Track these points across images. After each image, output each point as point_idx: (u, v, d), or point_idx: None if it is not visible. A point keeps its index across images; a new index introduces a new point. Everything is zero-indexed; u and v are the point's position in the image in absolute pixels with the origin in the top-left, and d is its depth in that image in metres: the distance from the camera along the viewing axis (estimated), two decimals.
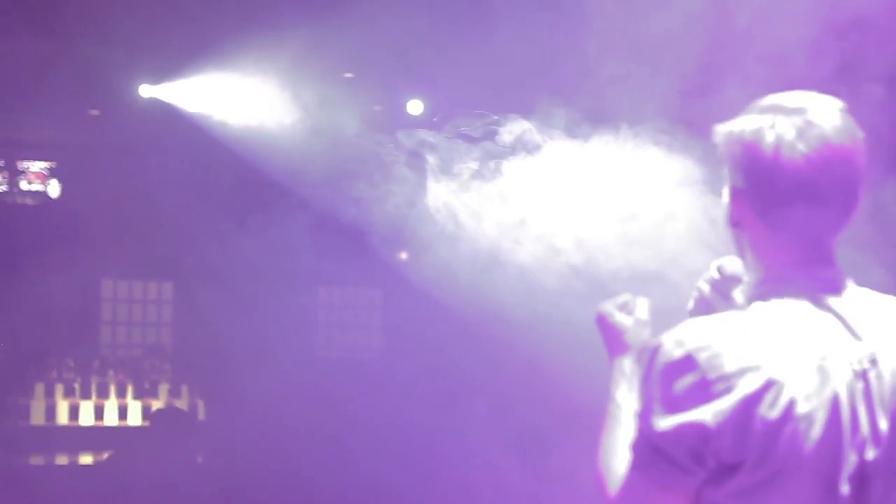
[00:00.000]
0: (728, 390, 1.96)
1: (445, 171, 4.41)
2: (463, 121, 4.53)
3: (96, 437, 11.44)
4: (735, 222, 2.21)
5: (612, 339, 2.55)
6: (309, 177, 9.33)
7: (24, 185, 13.02)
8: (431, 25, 8.63)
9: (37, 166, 13.04)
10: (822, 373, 2.00)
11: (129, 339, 13.58)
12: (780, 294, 2.10)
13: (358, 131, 8.90)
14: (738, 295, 2.50)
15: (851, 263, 2.23)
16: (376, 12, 8.23)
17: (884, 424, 2.03)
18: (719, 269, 2.56)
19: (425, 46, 8.82)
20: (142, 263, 12.82)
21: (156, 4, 9.31)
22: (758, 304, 2.11)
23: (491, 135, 4.37)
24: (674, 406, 1.99)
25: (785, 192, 2.08)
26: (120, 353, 13.22)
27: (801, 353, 2.01)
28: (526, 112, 4.33)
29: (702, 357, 1.98)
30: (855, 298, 2.13)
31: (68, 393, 12.02)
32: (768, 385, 1.96)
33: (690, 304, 2.61)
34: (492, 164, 4.30)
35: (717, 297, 2.54)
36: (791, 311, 2.07)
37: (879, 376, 2.05)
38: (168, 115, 11.00)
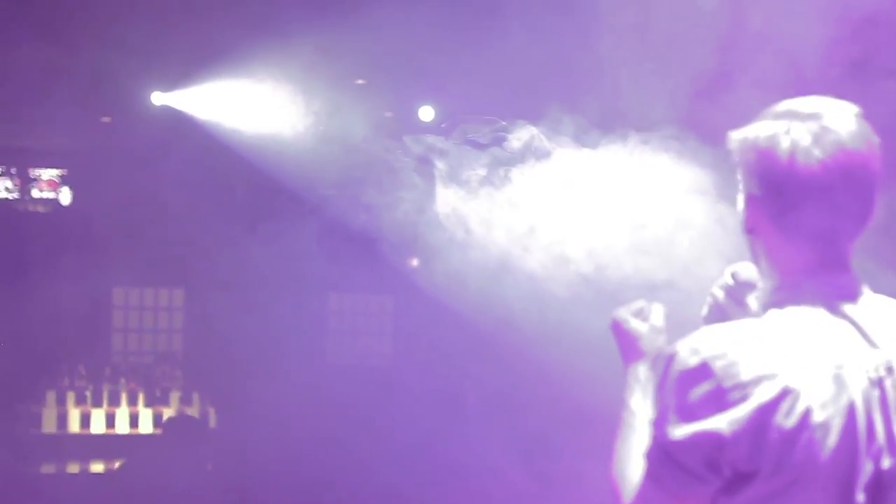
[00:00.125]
0: (744, 399, 1.94)
1: (454, 177, 4.40)
2: (471, 127, 4.53)
3: (108, 445, 11.44)
4: (750, 229, 2.19)
5: (627, 346, 2.53)
6: (320, 183, 9.34)
7: (35, 193, 13.04)
8: (442, 31, 8.63)
9: (48, 174, 13.07)
10: (838, 381, 1.98)
11: (141, 347, 13.59)
12: (795, 301, 2.08)
13: (369, 138, 8.90)
14: (752, 301, 2.48)
15: (866, 270, 2.22)
16: (387, 18, 8.23)
17: None
18: (733, 276, 2.54)
19: (436, 52, 8.82)
20: (153, 271, 12.83)
21: (167, 11, 9.32)
22: (773, 312, 2.09)
23: (500, 141, 4.36)
24: (689, 414, 1.97)
25: (800, 198, 2.07)
26: (131, 360, 13.23)
27: (817, 361, 1.99)
28: (537, 118, 4.32)
29: (717, 365, 1.96)
30: (871, 305, 2.11)
31: (80, 401, 12.02)
32: (784, 393, 1.94)
33: (704, 311, 2.60)
34: (501, 171, 4.29)
35: (732, 304, 2.53)
36: (807, 319, 2.05)
37: None
38: (179, 122, 11.01)
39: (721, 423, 1.95)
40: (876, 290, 2.19)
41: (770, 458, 1.94)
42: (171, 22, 9.36)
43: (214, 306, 11.96)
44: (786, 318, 2.06)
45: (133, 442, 11.56)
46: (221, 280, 11.87)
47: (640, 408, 2.37)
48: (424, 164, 4.58)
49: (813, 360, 1.99)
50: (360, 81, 10.63)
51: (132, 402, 12.17)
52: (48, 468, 10.76)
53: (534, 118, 4.35)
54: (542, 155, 4.18)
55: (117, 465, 9.67)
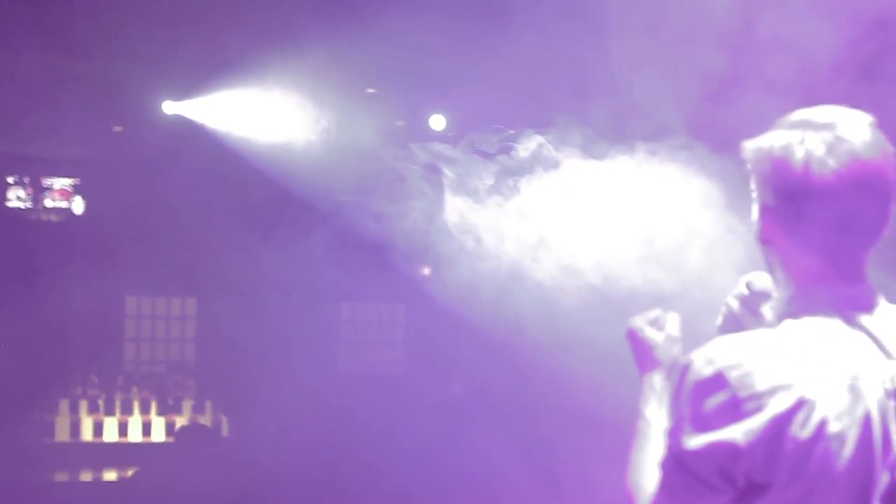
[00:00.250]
0: (759, 409, 1.93)
1: (463, 186, 4.40)
2: (479, 136, 4.53)
3: (120, 454, 11.47)
4: (765, 239, 2.19)
5: (643, 355, 2.53)
6: (331, 192, 9.35)
7: (48, 202, 13.07)
8: (453, 40, 8.63)
9: (61, 183, 13.09)
10: (854, 391, 1.97)
11: (153, 356, 13.60)
12: (810, 311, 2.08)
13: (379, 147, 8.91)
14: (766, 311, 2.48)
15: (881, 280, 2.21)
16: (398, 27, 8.24)
17: None
18: (748, 285, 2.54)
19: (447, 61, 8.82)
20: (165, 279, 12.85)
21: (178, 21, 9.34)
22: (788, 322, 2.09)
23: (508, 150, 4.36)
24: (704, 424, 1.97)
25: (815, 208, 2.06)
26: (144, 369, 13.25)
27: (833, 372, 1.98)
28: (549, 126, 4.32)
29: (732, 375, 1.95)
30: (886, 316, 2.11)
31: (92, 409, 12.04)
32: (800, 404, 1.94)
33: (719, 320, 2.60)
34: (509, 181, 4.29)
35: (746, 313, 2.53)
36: (822, 329, 2.05)
37: None
38: (191, 131, 11.04)
39: (736, 433, 1.94)
40: (891, 300, 2.18)
41: (785, 468, 1.94)
42: (182, 31, 9.38)
43: (226, 315, 11.97)
44: (801, 328, 2.06)
45: (146, 450, 11.58)
46: (233, 289, 11.89)
47: (656, 417, 2.37)
48: (433, 172, 4.58)
49: (828, 371, 1.98)
50: (370, 90, 10.65)
51: (145, 410, 12.19)
52: (61, 477, 10.79)
53: (545, 126, 4.35)
54: (551, 165, 4.17)
55: (130, 473, 9.69)
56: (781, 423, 1.93)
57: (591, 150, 4.09)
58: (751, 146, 2.20)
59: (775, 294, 2.24)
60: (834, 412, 1.95)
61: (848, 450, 1.95)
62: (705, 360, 1.99)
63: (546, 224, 4.09)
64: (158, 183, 11.45)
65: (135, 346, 13.59)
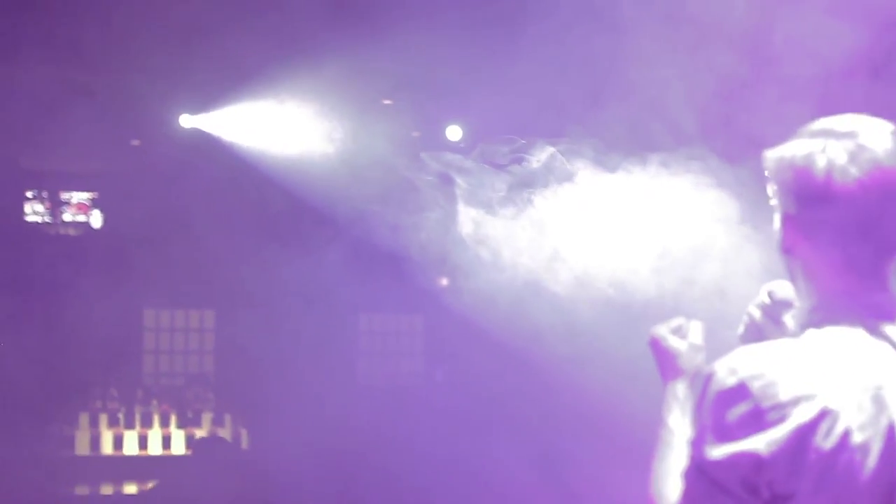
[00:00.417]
0: (782, 419, 1.92)
1: (476, 197, 4.40)
2: (490, 146, 4.53)
3: (140, 467, 11.49)
4: (787, 249, 2.17)
5: (666, 364, 2.52)
6: (348, 204, 9.36)
7: (66, 216, 13.11)
8: (469, 51, 8.65)
9: (79, 197, 13.14)
10: (878, 402, 1.96)
11: (172, 368, 13.62)
12: (834, 321, 2.06)
13: (396, 158, 8.92)
14: (788, 320, 2.47)
15: None
16: (414, 39, 8.25)
17: None
18: (770, 294, 2.53)
19: (463, 72, 8.84)
20: (183, 292, 12.88)
21: (194, 35, 9.37)
22: (811, 332, 2.07)
23: (520, 161, 4.36)
24: (727, 435, 1.96)
25: (837, 216, 2.05)
26: (163, 382, 13.27)
27: (856, 382, 1.97)
28: (565, 136, 4.32)
29: (755, 385, 1.94)
30: None
31: (112, 423, 12.08)
32: (823, 414, 1.92)
33: (741, 329, 2.59)
34: (522, 192, 4.29)
35: (768, 322, 2.52)
36: (845, 339, 2.03)
37: None
38: (208, 144, 11.07)
39: (759, 443, 1.93)
40: None
41: (808, 479, 1.93)
42: (198, 45, 9.41)
43: (245, 327, 11.99)
44: (824, 338, 2.05)
45: (166, 463, 11.60)
46: (252, 301, 11.91)
47: (679, 426, 2.36)
48: (447, 183, 4.58)
49: (852, 381, 1.97)
50: (386, 102, 10.66)
51: (164, 423, 12.22)
52: (82, 490, 10.81)
53: (562, 135, 4.35)
54: (564, 176, 4.17)
55: (150, 486, 9.70)
56: (804, 433, 1.92)
57: (604, 161, 4.09)
58: (772, 155, 2.19)
59: (797, 303, 2.23)
60: (857, 422, 1.94)
61: (871, 460, 1.93)
62: (728, 370, 1.98)
63: (560, 235, 4.09)
64: (176, 196, 11.47)
65: (154, 359, 13.61)
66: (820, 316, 2.09)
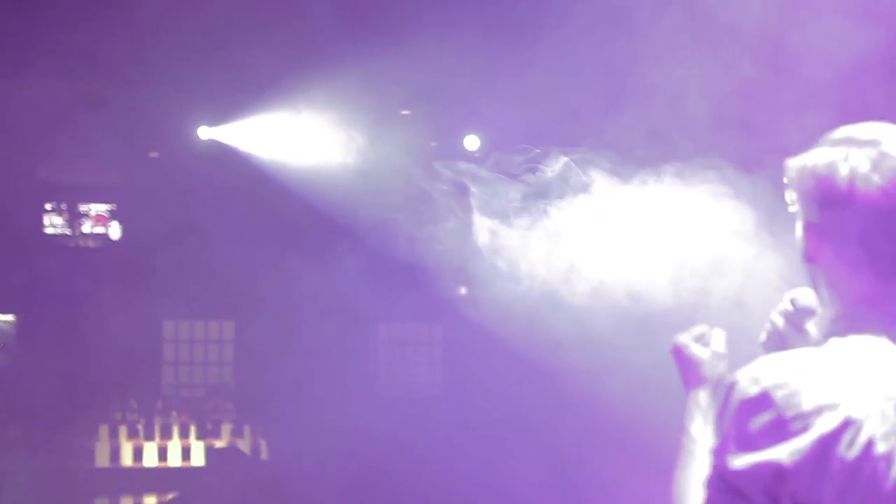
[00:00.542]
0: (805, 429, 1.90)
1: (491, 207, 4.40)
2: (506, 157, 4.53)
3: (160, 479, 11.51)
4: (810, 257, 2.16)
5: (688, 372, 2.51)
6: (367, 214, 9.37)
7: (85, 228, 13.15)
8: (487, 61, 8.65)
9: (97, 209, 13.18)
10: None
11: (192, 380, 13.63)
12: (857, 330, 2.04)
13: (413, 168, 8.93)
14: (811, 327, 2.45)
15: None
16: (431, 49, 8.25)
17: None
18: (792, 302, 2.51)
19: (481, 81, 8.83)
20: (202, 303, 12.90)
21: (212, 47, 9.40)
22: (835, 341, 2.05)
23: (534, 170, 4.35)
24: (749, 444, 1.94)
25: (861, 225, 2.03)
26: (182, 393, 13.27)
27: (880, 391, 1.95)
28: (582, 145, 4.31)
29: (778, 395, 1.93)
30: None
31: (132, 434, 12.10)
32: (846, 424, 1.90)
33: (763, 337, 2.57)
34: (537, 203, 4.28)
35: (791, 330, 2.50)
36: (869, 348, 2.01)
37: None
38: (226, 155, 11.10)
39: (782, 453, 1.91)
40: None
41: (832, 489, 1.91)
42: (216, 57, 9.44)
43: (264, 338, 12.00)
44: (847, 347, 2.03)
45: (186, 475, 11.61)
46: (270, 311, 11.92)
47: (701, 434, 2.35)
48: (463, 193, 4.58)
49: (875, 390, 1.95)
50: (404, 112, 10.67)
51: (184, 435, 12.23)
52: (102, 502, 10.83)
53: (580, 144, 4.34)
54: (579, 186, 4.16)
55: (170, 497, 9.72)
56: (828, 443, 1.90)
57: (619, 170, 4.08)
58: (794, 164, 2.17)
59: (820, 311, 2.21)
60: (881, 432, 1.92)
61: (895, 471, 1.92)
62: (751, 379, 1.97)
63: (576, 245, 4.08)
64: (194, 207, 11.51)
65: (173, 371, 13.63)
66: (843, 325, 2.07)
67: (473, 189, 4.48)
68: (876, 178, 2.03)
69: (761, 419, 1.93)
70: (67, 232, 13.12)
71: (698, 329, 2.57)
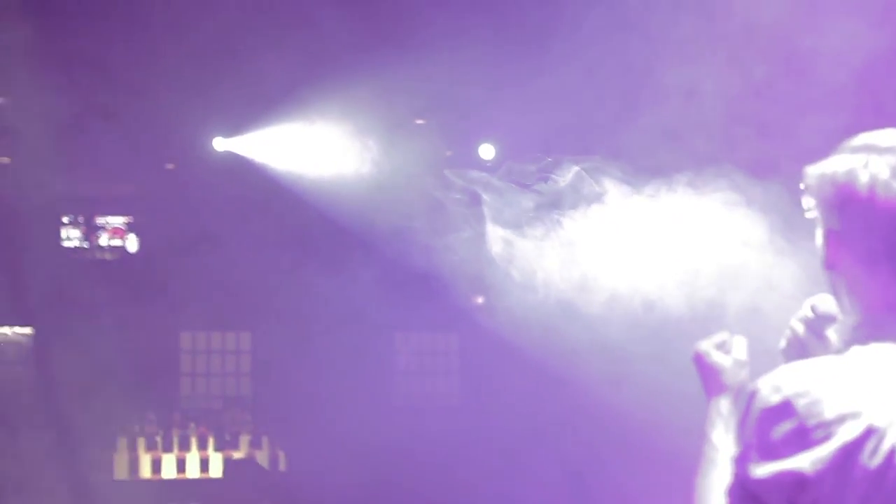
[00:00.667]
0: (827, 438, 1.89)
1: (504, 216, 4.40)
2: (519, 166, 4.52)
3: (179, 490, 11.51)
4: (830, 265, 2.15)
5: (710, 379, 2.50)
6: (382, 224, 9.37)
7: (102, 241, 13.18)
8: (501, 70, 8.65)
9: (115, 221, 13.20)
10: None
11: (209, 391, 13.63)
12: (879, 338, 2.03)
13: (429, 177, 8.93)
14: (831, 334, 2.44)
15: None
16: (445, 58, 8.26)
17: None
18: (813, 308, 2.50)
19: (495, 90, 8.84)
20: (219, 314, 12.91)
21: (227, 59, 9.42)
22: (856, 349, 2.04)
23: (547, 179, 4.35)
24: (771, 453, 1.93)
25: (882, 232, 2.02)
26: (200, 405, 13.28)
27: None
28: (596, 154, 4.31)
29: (800, 403, 1.92)
30: None
31: (150, 446, 12.11)
32: (869, 432, 1.89)
33: (783, 344, 2.56)
34: (549, 212, 4.28)
35: (811, 337, 2.49)
36: (891, 356, 2.01)
37: None
38: (242, 166, 11.12)
39: (804, 462, 1.90)
40: None
41: (854, 498, 1.90)
42: (230, 69, 9.47)
43: (281, 349, 12.01)
44: (869, 355, 2.01)
45: (204, 486, 11.62)
46: (287, 322, 11.93)
47: (722, 442, 2.34)
48: (477, 202, 4.58)
49: None
50: (419, 121, 10.68)
51: (202, 446, 12.24)
52: None
53: (592, 153, 4.34)
54: (591, 195, 4.16)
55: None
56: (850, 451, 1.89)
57: (632, 180, 4.07)
58: (813, 172, 2.16)
59: (840, 319, 2.20)
60: None
61: None
62: (772, 388, 1.96)
63: (590, 254, 4.08)
64: (211, 219, 11.53)
65: (190, 382, 13.63)
66: (865, 332, 2.06)
67: (486, 198, 4.48)
68: None
69: (783, 428, 1.93)
70: (85, 245, 13.14)
71: (719, 336, 2.56)
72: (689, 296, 3.73)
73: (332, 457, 10.17)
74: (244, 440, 12.37)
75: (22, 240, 11.56)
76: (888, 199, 2.01)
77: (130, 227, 13.22)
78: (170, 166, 12.27)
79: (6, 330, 12.68)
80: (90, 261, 13.10)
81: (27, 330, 12.75)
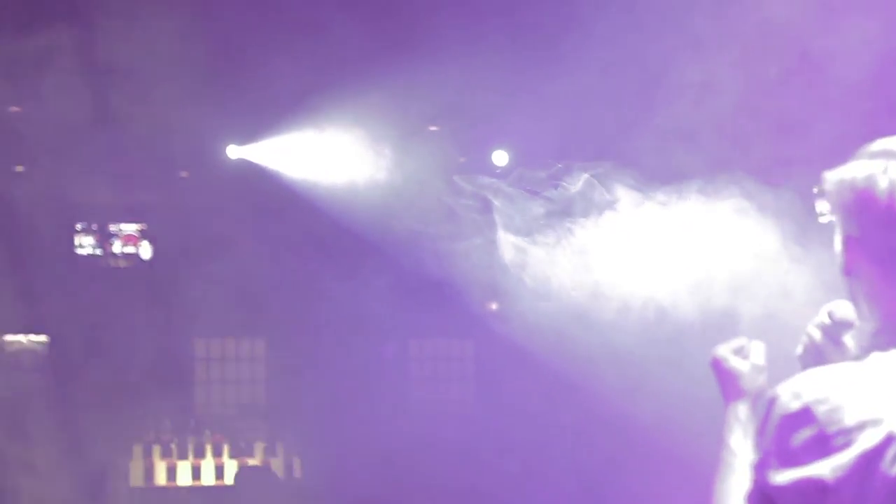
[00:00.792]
0: (847, 445, 1.89)
1: (515, 222, 4.40)
2: (530, 172, 4.53)
3: (194, 497, 11.53)
4: (849, 271, 2.14)
5: (728, 384, 2.50)
6: (396, 230, 9.38)
7: (116, 248, 13.21)
8: (514, 75, 8.65)
9: (128, 229, 13.23)
10: None
11: (224, 398, 13.64)
12: None
13: (442, 184, 8.93)
14: (848, 340, 2.44)
15: None
16: (458, 64, 8.27)
17: None
18: (830, 315, 2.49)
19: (509, 96, 8.84)
20: (233, 321, 12.92)
21: (240, 66, 9.44)
22: (876, 355, 2.04)
23: (560, 188, 4.35)
24: (791, 460, 1.93)
25: None
26: (215, 412, 13.29)
27: None
28: (609, 159, 4.31)
29: (820, 410, 1.91)
30: None
31: (165, 454, 12.13)
32: (890, 440, 1.88)
33: (799, 350, 2.56)
34: (561, 219, 4.28)
35: (828, 343, 2.48)
36: None
37: None
38: (255, 174, 11.14)
39: (824, 469, 1.89)
40: None
41: None
42: (243, 76, 9.49)
43: (295, 355, 12.02)
44: (889, 361, 2.01)
45: (219, 493, 11.63)
46: (301, 329, 11.94)
47: (740, 447, 2.34)
48: (487, 209, 4.59)
49: None
50: (432, 128, 10.68)
51: (217, 453, 12.25)
52: None
53: (605, 158, 4.34)
54: (602, 202, 4.16)
55: None
56: (871, 459, 1.88)
57: (643, 186, 4.07)
58: (832, 177, 2.16)
59: (859, 325, 2.19)
60: None
61: None
62: (792, 395, 1.95)
63: (602, 261, 4.08)
64: (224, 226, 11.55)
65: (205, 389, 13.64)
66: (885, 339, 2.05)
67: (497, 204, 4.48)
68: None
69: (803, 434, 1.92)
70: (98, 252, 13.17)
71: (737, 341, 2.56)
72: (702, 303, 3.73)
73: (346, 463, 10.17)
74: (259, 447, 12.38)
75: (36, 247, 11.59)
76: None
77: (144, 235, 13.25)
78: (183, 174, 12.29)
79: (21, 338, 12.71)
80: (104, 268, 13.12)
81: (42, 338, 12.78)
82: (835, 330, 2.48)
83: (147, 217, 13.22)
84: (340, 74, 9.23)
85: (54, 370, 12.28)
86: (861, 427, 1.89)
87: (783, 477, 1.93)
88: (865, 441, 1.88)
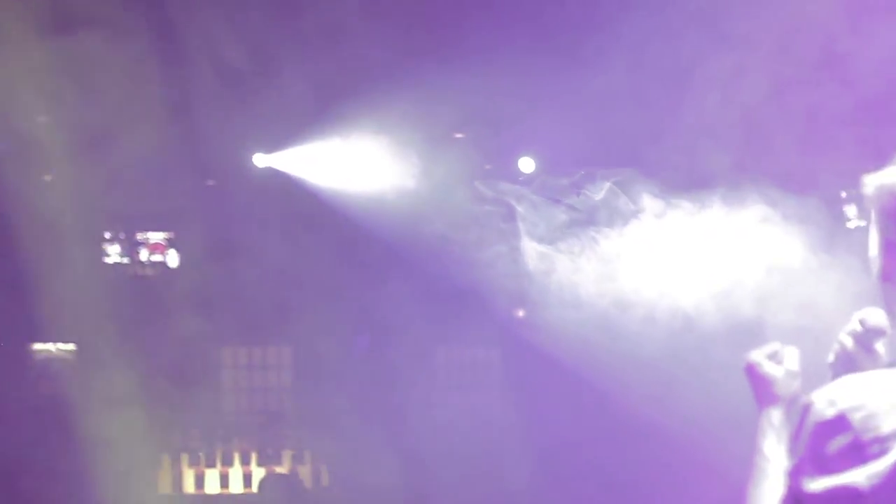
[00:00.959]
0: (883, 452, 1.87)
1: (541, 232, 4.39)
2: (553, 179, 4.53)
3: None
4: (888, 276, 2.12)
5: (761, 390, 2.49)
6: (423, 238, 9.38)
7: (143, 257, 13.24)
8: (540, 81, 8.64)
9: (155, 237, 13.27)
10: None
11: (251, 406, 13.65)
12: None
13: (469, 192, 8.93)
14: (880, 348, 2.42)
15: None
16: (484, 71, 8.26)
17: None
18: (862, 322, 2.48)
19: (535, 102, 8.82)
20: (259, 329, 12.94)
21: (267, 73, 9.46)
22: None
23: (583, 196, 4.35)
24: (826, 467, 1.91)
25: None
26: (243, 420, 13.31)
27: None
28: (634, 166, 4.30)
29: (855, 417, 1.90)
30: None
31: (193, 462, 12.15)
32: None
33: (831, 357, 2.54)
34: (586, 225, 4.28)
35: (860, 350, 2.46)
36: None
37: None
38: (282, 182, 11.16)
39: (859, 477, 1.88)
40: None
41: None
42: (271, 83, 9.50)
43: (322, 363, 12.03)
44: None
45: (247, 502, 11.65)
46: (328, 336, 11.94)
47: (774, 453, 2.33)
48: (511, 217, 4.59)
49: None
50: (458, 135, 10.68)
51: (245, 461, 12.27)
52: None
53: (631, 165, 4.33)
54: (626, 210, 4.15)
55: None
56: None
57: (667, 194, 4.06)
58: (872, 181, 2.14)
59: (891, 332, 2.17)
60: None
61: None
62: (827, 402, 1.94)
63: (627, 270, 4.07)
64: (251, 234, 11.57)
65: (232, 397, 13.66)
66: None
67: (521, 211, 4.49)
68: None
69: (838, 442, 1.90)
70: (125, 260, 13.21)
71: (771, 346, 2.55)
72: (728, 311, 3.72)
73: (374, 471, 10.16)
74: (287, 455, 12.39)
75: (64, 256, 11.63)
76: None
77: (171, 243, 13.28)
78: (210, 182, 12.33)
79: (49, 346, 12.77)
80: (131, 276, 13.16)
81: (70, 346, 12.83)
82: (867, 337, 2.47)
83: (174, 225, 13.25)
84: (367, 82, 9.25)
85: (82, 378, 12.32)
86: None
87: (818, 484, 1.92)
88: None
